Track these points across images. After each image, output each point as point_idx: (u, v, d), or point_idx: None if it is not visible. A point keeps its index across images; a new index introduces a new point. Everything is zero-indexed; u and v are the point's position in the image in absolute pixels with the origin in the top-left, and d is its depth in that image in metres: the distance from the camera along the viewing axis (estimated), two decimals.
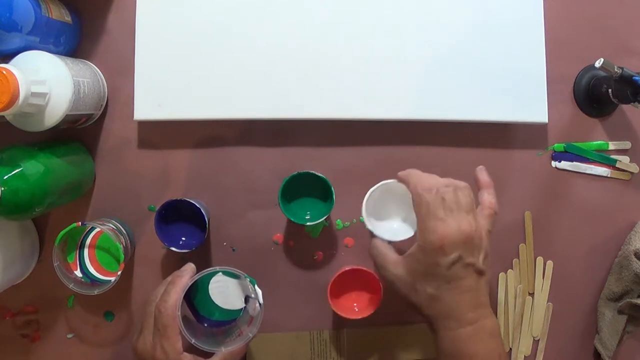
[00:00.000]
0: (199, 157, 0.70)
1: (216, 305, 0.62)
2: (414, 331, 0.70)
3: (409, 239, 0.58)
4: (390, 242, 0.58)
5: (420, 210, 0.50)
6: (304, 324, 0.70)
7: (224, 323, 0.63)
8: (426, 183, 0.51)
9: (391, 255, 0.54)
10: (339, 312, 0.63)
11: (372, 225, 0.58)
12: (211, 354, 0.55)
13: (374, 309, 0.63)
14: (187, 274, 0.57)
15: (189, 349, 0.54)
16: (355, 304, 0.67)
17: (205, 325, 0.62)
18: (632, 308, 0.68)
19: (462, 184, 0.51)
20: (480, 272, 0.50)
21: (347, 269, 0.64)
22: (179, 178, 0.70)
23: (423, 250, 0.49)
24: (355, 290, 0.67)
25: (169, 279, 0.58)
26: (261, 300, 0.57)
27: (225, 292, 0.62)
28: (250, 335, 0.56)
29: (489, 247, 0.51)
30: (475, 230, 0.49)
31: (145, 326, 0.54)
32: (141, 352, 0.54)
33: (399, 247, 0.56)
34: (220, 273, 0.61)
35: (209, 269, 0.58)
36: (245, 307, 0.62)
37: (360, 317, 0.63)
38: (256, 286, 0.57)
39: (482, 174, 0.55)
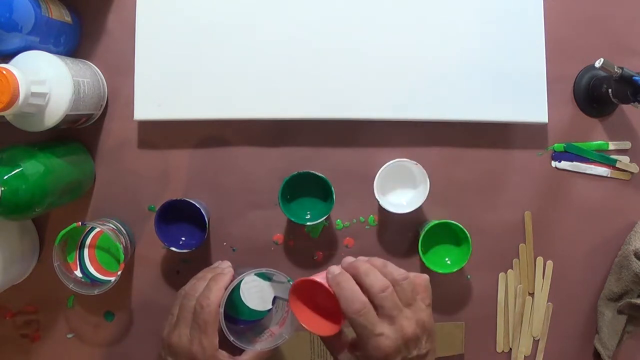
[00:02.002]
0: (199, 157, 0.70)
1: (244, 305, 0.62)
2: None
3: (411, 212, 0.65)
4: (395, 213, 0.65)
5: (356, 331, 0.48)
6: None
7: (250, 322, 0.63)
8: (354, 306, 0.47)
9: (340, 348, 0.53)
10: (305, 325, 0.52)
11: (381, 200, 0.64)
12: (241, 351, 0.55)
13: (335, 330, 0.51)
14: (229, 272, 0.57)
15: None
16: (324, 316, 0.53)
17: (234, 325, 0.62)
18: (632, 308, 0.68)
19: (400, 275, 0.50)
20: (422, 357, 0.50)
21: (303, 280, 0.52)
22: (179, 178, 0.70)
23: None
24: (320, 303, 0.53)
25: (207, 275, 0.58)
26: None
27: (258, 293, 0.61)
28: (286, 336, 0.56)
29: (431, 321, 0.51)
30: (416, 323, 0.49)
31: (181, 320, 0.54)
32: (176, 345, 0.53)
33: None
34: (253, 274, 0.60)
35: (250, 270, 0.57)
36: (272, 308, 0.62)
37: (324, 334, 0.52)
38: None
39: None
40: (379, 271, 0.50)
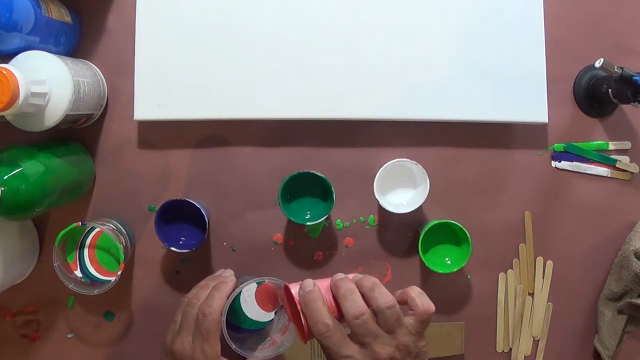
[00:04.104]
0: (199, 157, 0.70)
1: (245, 314, 0.62)
2: None
3: (411, 211, 0.65)
4: (395, 213, 0.65)
5: (323, 350, 0.48)
6: None
7: (252, 331, 0.62)
8: (316, 328, 0.47)
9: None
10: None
11: (381, 200, 0.64)
12: (243, 359, 0.56)
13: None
14: (231, 280, 0.58)
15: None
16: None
17: (236, 332, 0.62)
18: (632, 308, 0.68)
19: (385, 304, 0.47)
20: None
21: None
22: (179, 178, 0.70)
23: None
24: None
25: (210, 283, 0.58)
26: None
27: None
28: (287, 344, 0.56)
29: (419, 345, 0.48)
30: (396, 347, 0.47)
31: (184, 327, 0.55)
32: (179, 352, 0.54)
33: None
34: (254, 283, 0.60)
35: (252, 279, 0.57)
36: (274, 316, 0.62)
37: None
38: None
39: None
40: (366, 294, 0.48)
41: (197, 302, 0.55)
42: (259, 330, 0.62)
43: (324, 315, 0.47)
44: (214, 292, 0.55)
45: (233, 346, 0.54)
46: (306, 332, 0.48)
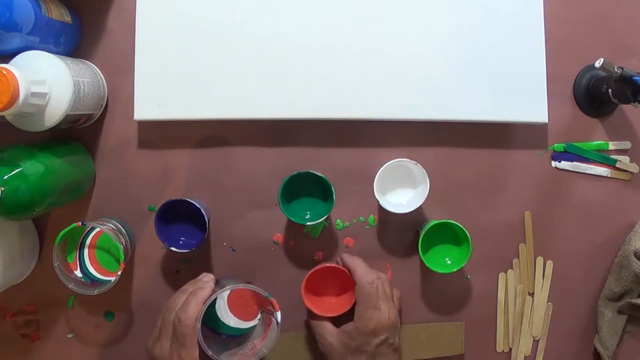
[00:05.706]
0: (199, 157, 0.70)
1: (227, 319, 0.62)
2: (414, 330, 0.70)
3: (411, 211, 0.66)
4: (395, 213, 0.65)
5: (363, 299, 0.60)
6: (303, 324, 0.70)
7: (234, 335, 0.63)
8: (369, 277, 0.61)
9: (329, 327, 0.63)
10: (314, 309, 0.64)
11: (381, 200, 0.65)
12: None
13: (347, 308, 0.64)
14: (208, 286, 0.58)
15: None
16: (332, 301, 0.67)
17: (218, 335, 0.62)
18: (632, 308, 0.68)
19: (384, 275, 0.63)
20: (396, 349, 0.62)
21: (320, 267, 0.65)
22: (179, 178, 0.70)
23: (358, 331, 0.60)
24: (329, 289, 0.68)
25: (189, 288, 0.59)
26: (279, 319, 0.57)
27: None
28: (265, 351, 0.57)
29: (399, 325, 0.63)
30: (396, 316, 0.61)
31: (162, 333, 0.55)
32: (158, 356, 0.55)
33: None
34: (230, 290, 0.60)
35: (231, 286, 0.58)
36: (256, 322, 0.62)
37: (335, 314, 0.64)
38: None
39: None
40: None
41: (174, 308, 0.56)
42: (241, 335, 0.62)
43: (371, 269, 0.62)
44: (191, 297, 0.56)
45: (209, 352, 0.55)
46: (352, 288, 0.62)
